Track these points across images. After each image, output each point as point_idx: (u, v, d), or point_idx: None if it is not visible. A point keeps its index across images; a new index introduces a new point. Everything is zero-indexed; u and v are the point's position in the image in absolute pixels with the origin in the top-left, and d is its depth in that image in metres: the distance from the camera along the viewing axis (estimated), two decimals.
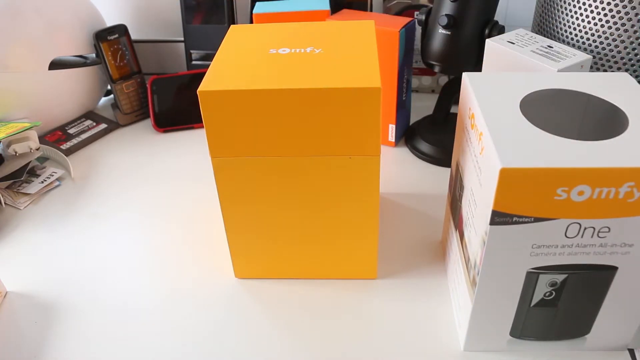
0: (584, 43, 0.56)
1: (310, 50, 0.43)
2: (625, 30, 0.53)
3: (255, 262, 0.48)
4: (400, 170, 0.63)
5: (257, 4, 0.67)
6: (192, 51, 0.78)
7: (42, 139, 0.71)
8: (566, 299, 0.38)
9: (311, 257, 0.48)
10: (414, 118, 0.73)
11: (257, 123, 0.39)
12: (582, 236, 0.34)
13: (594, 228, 0.34)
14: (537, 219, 0.33)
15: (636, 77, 0.55)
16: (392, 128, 0.66)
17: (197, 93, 0.38)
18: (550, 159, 0.32)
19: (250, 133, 0.40)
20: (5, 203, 0.61)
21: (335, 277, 0.49)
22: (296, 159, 0.41)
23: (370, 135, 0.40)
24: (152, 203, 0.60)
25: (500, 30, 0.57)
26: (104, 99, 0.82)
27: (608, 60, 0.55)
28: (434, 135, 0.66)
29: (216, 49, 0.77)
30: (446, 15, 0.56)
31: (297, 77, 0.39)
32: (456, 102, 0.74)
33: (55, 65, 0.68)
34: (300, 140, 0.40)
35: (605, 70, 0.56)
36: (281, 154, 0.41)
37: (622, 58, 0.55)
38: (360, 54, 0.42)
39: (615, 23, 0.53)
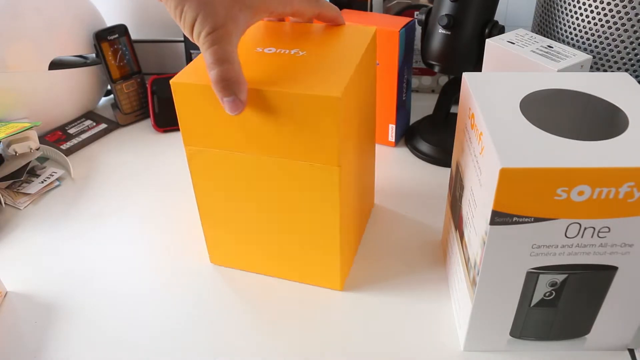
0: (584, 43, 0.56)
1: (295, 52, 0.42)
2: (625, 30, 0.53)
3: (228, 251, 0.49)
4: (400, 170, 0.63)
5: None
6: (192, 51, 0.78)
7: (42, 139, 0.71)
8: (566, 299, 0.38)
9: (278, 257, 0.48)
10: (414, 118, 0.73)
11: (223, 118, 0.40)
12: (582, 236, 0.34)
13: (594, 228, 0.34)
14: (537, 219, 0.33)
15: (636, 77, 0.55)
16: (392, 128, 0.66)
17: (170, 83, 0.40)
18: (550, 159, 0.32)
19: (218, 127, 0.41)
20: (5, 203, 0.61)
21: (300, 281, 0.49)
22: (260, 158, 0.41)
23: (329, 145, 0.39)
24: (152, 203, 0.60)
25: (500, 30, 0.57)
26: (104, 99, 0.82)
27: (608, 60, 0.55)
28: (434, 135, 0.66)
29: None
30: (446, 15, 0.56)
31: (267, 78, 0.39)
32: (456, 102, 0.74)
33: (55, 65, 0.68)
34: (264, 140, 0.40)
35: (605, 70, 0.56)
36: (245, 151, 0.41)
37: (622, 58, 0.55)
38: (341, 61, 0.40)
39: (615, 23, 0.53)
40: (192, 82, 0.39)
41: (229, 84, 0.36)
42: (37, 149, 0.65)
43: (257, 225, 0.46)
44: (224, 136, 0.41)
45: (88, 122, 0.75)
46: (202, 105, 0.40)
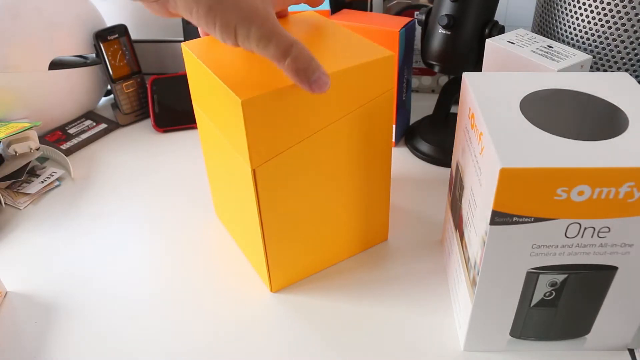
0: (584, 43, 0.56)
1: None
2: (625, 30, 0.53)
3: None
4: (400, 170, 0.63)
5: None
6: None
7: (42, 139, 0.71)
8: (566, 299, 0.38)
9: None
10: (414, 118, 0.73)
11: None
12: (582, 236, 0.34)
13: (594, 228, 0.34)
14: (537, 219, 0.33)
15: (636, 77, 0.55)
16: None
17: (181, 45, 0.44)
18: (550, 159, 0.32)
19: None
20: (5, 203, 0.61)
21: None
22: (213, 130, 0.45)
23: (241, 143, 0.39)
24: (152, 203, 0.60)
25: (500, 30, 0.57)
26: (104, 99, 0.82)
27: (608, 60, 0.55)
28: (434, 135, 0.66)
29: None
30: (446, 15, 0.56)
31: (234, 66, 0.40)
32: (456, 102, 0.74)
33: (55, 65, 0.68)
34: (213, 115, 0.44)
35: (605, 70, 0.56)
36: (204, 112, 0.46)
37: (622, 58, 0.55)
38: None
39: (615, 23, 0.53)
40: (190, 53, 0.41)
41: (309, 62, 0.35)
42: (37, 149, 0.65)
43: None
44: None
45: (88, 122, 0.75)
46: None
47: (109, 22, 0.79)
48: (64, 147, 0.70)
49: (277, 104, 0.38)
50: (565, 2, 0.57)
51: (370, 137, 0.45)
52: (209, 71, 0.40)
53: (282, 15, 0.47)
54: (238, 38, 0.35)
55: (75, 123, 0.74)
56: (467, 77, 0.41)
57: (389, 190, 0.49)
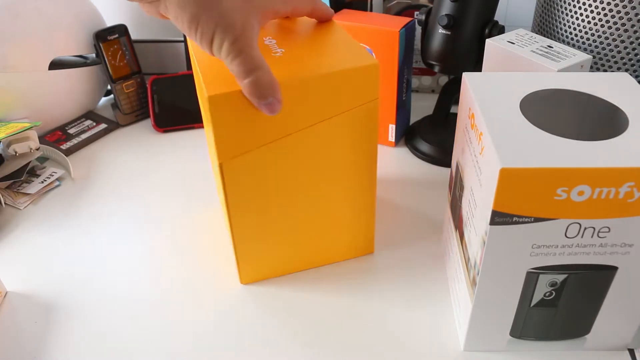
0: (584, 43, 0.56)
1: (277, 51, 0.42)
2: (625, 30, 0.53)
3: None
4: (400, 171, 0.63)
5: None
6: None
7: (42, 139, 0.71)
8: (566, 299, 0.38)
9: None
10: (414, 118, 0.73)
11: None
12: (582, 236, 0.34)
13: (594, 228, 0.34)
14: (537, 219, 0.33)
15: (636, 77, 0.55)
16: (392, 128, 0.66)
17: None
18: (550, 159, 0.32)
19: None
20: (5, 203, 0.61)
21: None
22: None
23: (211, 138, 0.40)
24: (152, 203, 0.60)
25: (500, 30, 0.57)
26: (104, 99, 0.82)
27: (608, 60, 0.55)
28: (434, 135, 0.66)
29: None
30: (446, 15, 0.56)
31: (218, 63, 0.40)
32: (456, 102, 0.74)
33: (55, 65, 0.68)
34: (201, 108, 0.45)
35: (605, 70, 0.56)
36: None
37: (622, 58, 0.55)
38: (291, 74, 0.39)
39: (615, 23, 0.53)
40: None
41: (265, 88, 0.36)
42: (37, 149, 0.65)
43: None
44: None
45: (88, 122, 0.75)
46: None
47: (109, 22, 0.79)
48: (64, 147, 0.70)
49: (247, 102, 0.38)
50: (565, 2, 0.57)
51: (353, 146, 0.43)
52: (197, 65, 0.41)
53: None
54: (213, 47, 0.37)
55: (75, 123, 0.74)
56: (467, 77, 0.41)
57: (374, 203, 0.48)
